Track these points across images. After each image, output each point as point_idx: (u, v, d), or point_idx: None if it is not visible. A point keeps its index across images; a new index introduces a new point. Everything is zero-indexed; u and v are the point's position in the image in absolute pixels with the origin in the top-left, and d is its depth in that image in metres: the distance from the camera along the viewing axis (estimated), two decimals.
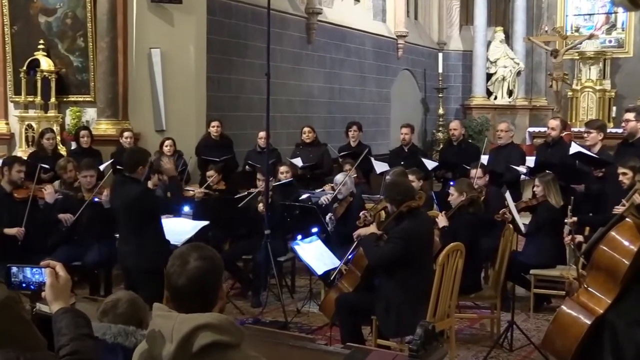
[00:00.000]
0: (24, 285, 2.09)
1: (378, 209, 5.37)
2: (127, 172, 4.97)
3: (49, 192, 5.87)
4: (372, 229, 4.69)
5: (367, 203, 6.40)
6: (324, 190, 7.16)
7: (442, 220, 5.23)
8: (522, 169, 7.33)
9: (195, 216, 6.29)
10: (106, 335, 2.47)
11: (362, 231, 4.99)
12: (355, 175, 6.77)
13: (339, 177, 6.44)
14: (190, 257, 2.00)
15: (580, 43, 14.01)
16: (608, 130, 7.46)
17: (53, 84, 8.29)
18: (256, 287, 6.27)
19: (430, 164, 7.99)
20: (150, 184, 5.09)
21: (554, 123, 7.43)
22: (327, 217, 6.21)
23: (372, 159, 7.97)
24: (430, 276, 4.43)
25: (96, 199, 5.89)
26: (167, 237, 5.36)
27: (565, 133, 7.58)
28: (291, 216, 6.40)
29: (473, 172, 6.45)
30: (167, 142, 7.76)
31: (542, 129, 13.55)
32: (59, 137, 8.07)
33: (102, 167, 7.12)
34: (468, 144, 8.72)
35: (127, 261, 5.04)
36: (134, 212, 4.90)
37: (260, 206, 6.34)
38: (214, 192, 6.53)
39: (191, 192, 6.53)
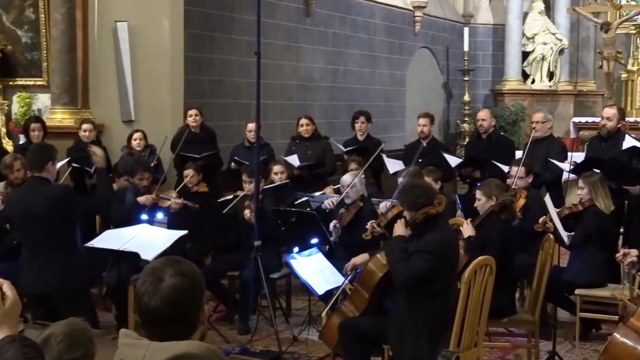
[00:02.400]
0: None
1: (389, 217, 5.37)
2: (35, 172, 4.96)
3: None
4: (401, 228, 4.67)
5: (376, 208, 6.40)
6: (325, 193, 7.17)
7: (467, 230, 5.24)
8: (564, 165, 7.33)
9: (171, 224, 6.30)
10: None
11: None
12: (364, 175, 6.78)
13: (347, 178, 6.45)
14: (164, 273, 2.01)
15: (638, 14, 14.00)
16: None
17: None
18: (244, 310, 6.27)
19: (454, 160, 8.00)
20: (115, 187, 5.12)
21: (610, 112, 7.42)
22: (331, 225, 6.22)
23: (384, 156, 7.98)
24: (454, 296, 4.44)
25: None
26: (136, 250, 5.37)
27: (622, 123, 7.57)
28: (286, 224, 6.40)
29: (514, 169, 6.44)
30: (135, 135, 7.77)
31: (590, 119, 13.63)
32: (3, 129, 8.08)
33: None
34: (500, 137, 8.72)
35: (44, 285, 4.88)
36: (54, 220, 4.84)
37: (247, 212, 6.35)
38: (194, 204, 6.51)
39: (167, 201, 6.53)
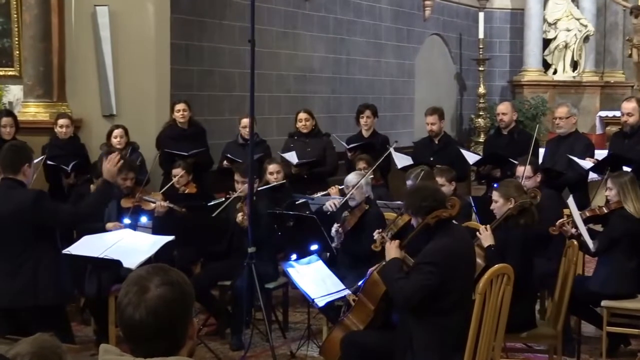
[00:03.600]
0: None
1: (399, 224, 5.35)
2: (9, 174, 4.89)
3: None
4: (393, 251, 4.66)
5: (385, 211, 6.41)
6: (328, 194, 7.17)
7: (487, 238, 5.23)
8: (585, 163, 7.34)
9: (156, 229, 6.30)
10: None
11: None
12: (372, 176, 6.77)
13: (352, 178, 6.44)
14: (150, 282, 2.02)
15: None
16: None
17: None
18: (237, 324, 6.27)
19: (472, 157, 8.01)
20: (93, 189, 5.11)
21: (630, 106, 7.46)
22: (333, 230, 6.22)
23: (392, 150, 7.98)
24: (467, 309, 4.44)
25: None
26: (118, 257, 5.37)
27: None
28: (283, 229, 6.41)
29: (520, 169, 6.48)
30: (116, 132, 7.76)
31: (618, 113, 13.56)
32: None
33: None
34: (522, 132, 8.73)
35: (15, 299, 4.83)
36: (26, 227, 4.81)
37: (240, 216, 6.36)
38: (181, 207, 6.51)
39: (152, 203, 6.54)
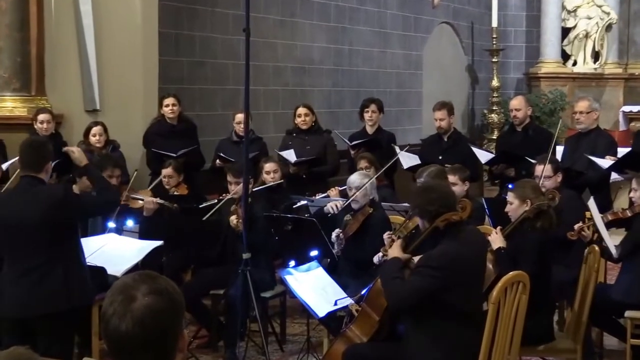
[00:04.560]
0: None
1: (410, 227, 5.35)
2: (30, 172, 4.95)
3: None
4: (395, 250, 4.70)
5: (390, 214, 6.41)
6: (328, 196, 7.18)
7: (497, 240, 5.24)
8: (603, 162, 7.33)
9: (143, 234, 6.31)
10: None
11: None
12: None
13: (355, 179, 6.43)
14: (137, 291, 2.02)
15: None
16: None
17: None
18: (230, 336, 6.27)
19: (484, 155, 8.01)
20: (76, 189, 5.14)
21: None
22: (333, 236, 6.23)
23: (397, 148, 7.98)
24: (479, 320, 4.44)
25: None
26: (102, 264, 5.39)
27: None
28: (280, 233, 6.41)
29: (539, 168, 6.48)
30: (94, 130, 7.77)
31: None
32: None
33: (5, 166, 7.12)
34: (537, 129, 8.75)
35: (45, 305, 4.86)
36: (58, 225, 4.87)
37: (234, 219, 6.36)
38: (172, 203, 6.53)
39: (140, 201, 6.54)
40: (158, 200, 6.56)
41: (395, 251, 4.69)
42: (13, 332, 4.91)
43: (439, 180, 6.03)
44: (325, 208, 6.64)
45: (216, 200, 6.65)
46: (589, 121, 7.81)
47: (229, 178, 6.68)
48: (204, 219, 6.46)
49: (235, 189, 6.51)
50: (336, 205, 6.55)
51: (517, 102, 8.40)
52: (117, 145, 7.92)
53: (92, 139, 7.70)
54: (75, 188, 6.13)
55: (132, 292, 2.03)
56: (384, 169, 7.09)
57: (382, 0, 12.68)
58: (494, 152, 8.90)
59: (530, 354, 5.50)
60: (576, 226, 5.76)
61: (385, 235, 5.22)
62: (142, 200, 6.55)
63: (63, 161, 7.52)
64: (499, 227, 5.38)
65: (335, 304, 5.19)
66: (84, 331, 6.11)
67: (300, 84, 11.08)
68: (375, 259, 5.80)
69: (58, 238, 4.89)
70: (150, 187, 7.18)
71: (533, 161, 6.88)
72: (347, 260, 6.22)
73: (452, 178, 6.44)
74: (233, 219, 6.37)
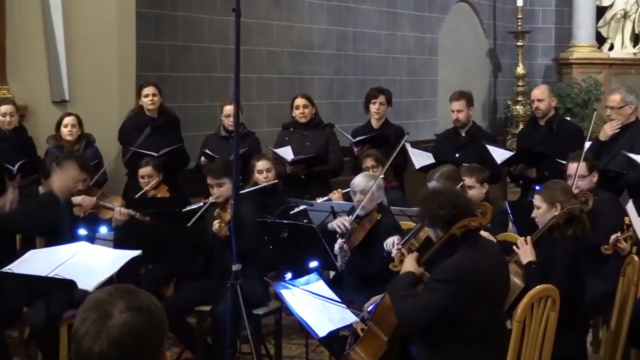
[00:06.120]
0: None
1: (421, 238, 5.35)
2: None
3: None
4: (409, 264, 4.69)
5: (401, 219, 6.40)
6: (330, 199, 7.17)
7: (526, 254, 5.21)
8: None
9: (118, 242, 6.30)
10: None
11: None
12: (383, 176, 6.76)
13: (359, 181, 6.40)
14: (113, 307, 2.02)
15: None
16: None
17: None
18: (218, 358, 6.28)
19: (500, 154, 8.01)
20: (42, 190, 5.14)
21: None
22: (336, 247, 6.21)
23: (408, 146, 7.98)
24: (502, 341, 4.45)
25: None
26: (72, 276, 5.37)
27: None
28: (275, 241, 6.41)
29: (572, 167, 6.48)
30: (67, 120, 7.79)
31: None
32: None
33: None
34: (563, 122, 8.78)
35: None
36: None
37: (217, 224, 6.32)
38: (144, 216, 6.51)
39: (110, 211, 6.54)
40: (129, 211, 6.54)
41: (408, 265, 4.67)
42: None
43: (449, 183, 6.00)
44: (329, 225, 6.54)
45: (202, 204, 6.64)
46: (622, 117, 7.79)
47: (209, 180, 6.58)
48: (188, 225, 6.45)
49: (217, 192, 6.46)
50: (343, 224, 6.37)
51: (539, 92, 8.41)
52: (92, 139, 7.92)
53: (64, 131, 7.71)
54: (41, 189, 6.14)
55: (108, 309, 2.03)
56: (388, 163, 7.02)
57: None
58: (515, 149, 8.90)
59: None
60: (611, 238, 5.74)
61: (394, 250, 5.20)
62: (113, 208, 6.55)
63: (29, 161, 7.57)
64: (529, 237, 5.33)
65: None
66: (52, 354, 6.11)
67: (298, 71, 11.10)
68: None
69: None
70: (137, 196, 7.16)
71: (562, 161, 6.87)
72: (352, 274, 6.21)
73: (469, 180, 6.43)
74: (215, 223, 6.34)
